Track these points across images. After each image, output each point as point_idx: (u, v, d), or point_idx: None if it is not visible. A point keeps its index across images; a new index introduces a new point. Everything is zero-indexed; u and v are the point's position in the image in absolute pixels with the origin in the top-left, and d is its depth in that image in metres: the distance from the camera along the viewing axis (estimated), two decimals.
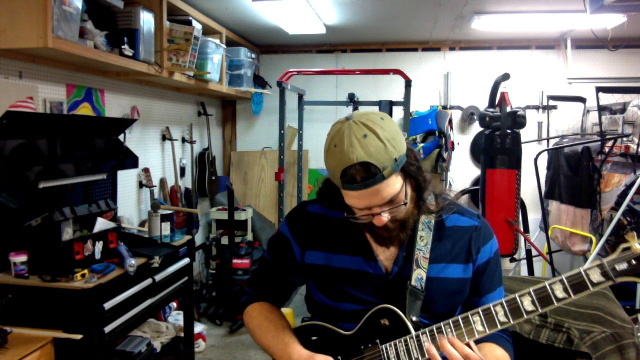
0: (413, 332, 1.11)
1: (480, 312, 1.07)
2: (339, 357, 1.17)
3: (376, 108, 4.42)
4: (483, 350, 1.15)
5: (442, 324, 1.09)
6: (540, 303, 1.02)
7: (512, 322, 1.04)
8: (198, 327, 3.33)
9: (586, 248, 3.59)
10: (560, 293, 1.01)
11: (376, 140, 1.02)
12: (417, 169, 1.11)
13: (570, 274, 1.01)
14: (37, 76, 2.48)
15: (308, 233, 1.27)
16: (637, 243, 0.98)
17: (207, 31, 3.74)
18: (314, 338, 1.23)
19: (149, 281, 2.43)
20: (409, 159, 1.09)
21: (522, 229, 3.40)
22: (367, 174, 1.01)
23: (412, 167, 1.10)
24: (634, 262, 0.97)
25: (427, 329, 1.10)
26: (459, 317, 1.08)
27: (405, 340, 1.11)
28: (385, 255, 1.20)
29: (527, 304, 1.03)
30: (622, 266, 0.98)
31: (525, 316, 1.03)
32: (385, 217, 1.08)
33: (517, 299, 1.04)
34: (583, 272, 1.00)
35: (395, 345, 1.12)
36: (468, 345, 1.07)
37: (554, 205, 3.97)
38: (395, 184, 1.06)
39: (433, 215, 1.20)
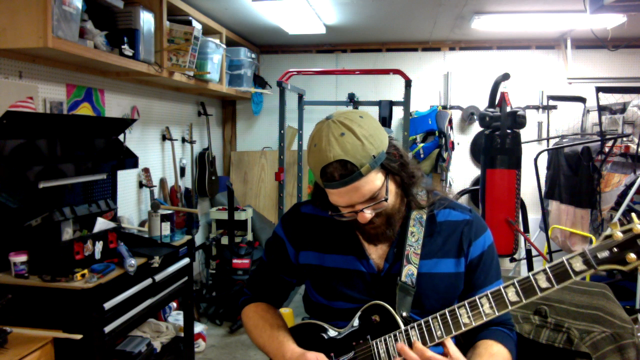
0: (402, 327, 1.12)
1: (466, 305, 1.08)
2: (332, 354, 1.19)
3: (376, 108, 4.43)
4: (478, 349, 1.15)
5: (429, 318, 1.10)
6: (524, 293, 1.04)
7: (497, 313, 1.06)
8: (198, 327, 3.33)
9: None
10: (543, 283, 1.02)
11: (353, 138, 1.04)
12: (400, 165, 1.12)
13: (553, 264, 1.02)
14: (37, 76, 2.48)
15: (301, 234, 1.28)
16: (619, 231, 0.98)
17: (207, 31, 3.74)
18: (308, 336, 1.24)
19: (149, 281, 2.43)
20: (390, 155, 1.10)
21: (522, 229, 3.40)
22: (344, 171, 1.03)
23: (394, 164, 1.10)
24: (615, 249, 0.98)
25: (415, 324, 1.11)
26: (446, 311, 1.10)
27: (395, 335, 1.12)
28: (377, 253, 1.21)
29: (511, 295, 1.05)
30: (604, 254, 0.98)
31: (509, 307, 1.05)
32: (367, 213, 1.09)
33: (502, 290, 1.06)
34: (565, 261, 1.01)
35: (385, 340, 1.14)
36: (443, 343, 1.07)
37: (554, 205, 3.97)
38: (375, 181, 1.07)
39: (424, 210, 1.21)
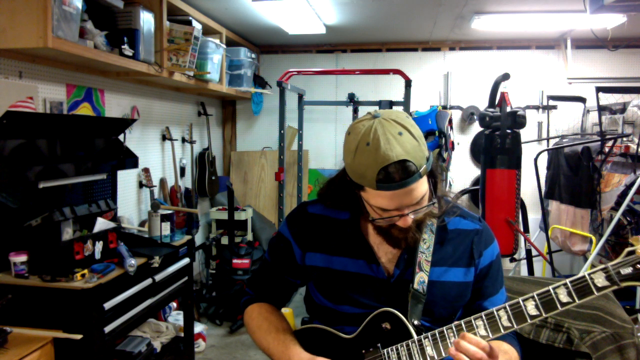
0: (415, 336, 1.09)
1: (484, 317, 1.04)
2: None
3: (376, 108, 4.42)
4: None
5: (444, 328, 1.07)
6: (544, 307, 1.00)
7: (515, 326, 1.02)
8: (198, 327, 3.33)
9: (586, 248, 3.58)
10: (564, 297, 0.99)
11: (411, 138, 1.00)
12: (437, 168, 1.12)
13: (574, 278, 0.99)
14: (37, 76, 2.48)
15: (309, 234, 1.25)
16: None
17: (207, 31, 3.74)
18: (314, 341, 1.22)
19: (149, 281, 2.43)
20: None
21: (522, 229, 3.40)
22: (405, 173, 0.99)
23: (436, 167, 1.11)
24: (639, 266, 0.95)
25: (429, 334, 1.08)
26: (462, 322, 1.06)
27: (407, 345, 1.10)
28: (387, 258, 1.19)
29: (530, 308, 1.01)
30: (627, 270, 0.95)
31: (529, 320, 1.01)
32: (411, 217, 1.06)
33: (521, 303, 1.02)
34: (587, 277, 0.97)
35: (397, 349, 1.10)
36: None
37: (554, 205, 3.97)
38: (424, 184, 1.05)
39: (435, 218, 1.19)
